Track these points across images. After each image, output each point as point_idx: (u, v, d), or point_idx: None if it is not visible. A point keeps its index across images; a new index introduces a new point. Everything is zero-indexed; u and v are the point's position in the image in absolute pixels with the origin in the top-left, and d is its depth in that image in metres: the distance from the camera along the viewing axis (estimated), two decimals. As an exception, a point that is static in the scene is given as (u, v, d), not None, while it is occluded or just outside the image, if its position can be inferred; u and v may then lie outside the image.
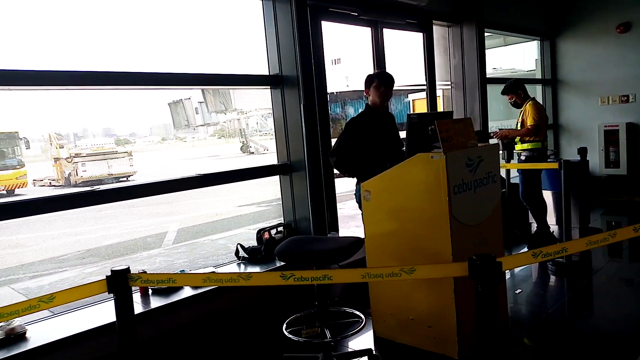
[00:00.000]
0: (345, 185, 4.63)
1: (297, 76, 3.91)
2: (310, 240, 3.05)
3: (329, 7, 4.29)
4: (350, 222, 6.91)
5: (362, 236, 3.03)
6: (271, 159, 4.22)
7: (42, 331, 2.72)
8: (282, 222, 4.19)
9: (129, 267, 2.15)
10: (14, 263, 5.80)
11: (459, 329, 2.84)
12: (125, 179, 10.78)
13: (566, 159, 4.41)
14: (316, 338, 2.90)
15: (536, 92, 7.72)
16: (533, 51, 8.22)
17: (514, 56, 9.70)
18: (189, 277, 2.79)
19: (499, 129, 5.45)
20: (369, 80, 3.61)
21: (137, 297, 3.11)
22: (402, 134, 3.75)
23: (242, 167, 4.09)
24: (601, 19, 7.12)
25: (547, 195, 5.51)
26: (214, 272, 3.44)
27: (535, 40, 7.83)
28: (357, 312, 3.27)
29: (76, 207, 3.18)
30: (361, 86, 3.72)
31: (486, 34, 6.07)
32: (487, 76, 6.03)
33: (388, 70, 4.72)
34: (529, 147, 5.09)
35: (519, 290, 4.07)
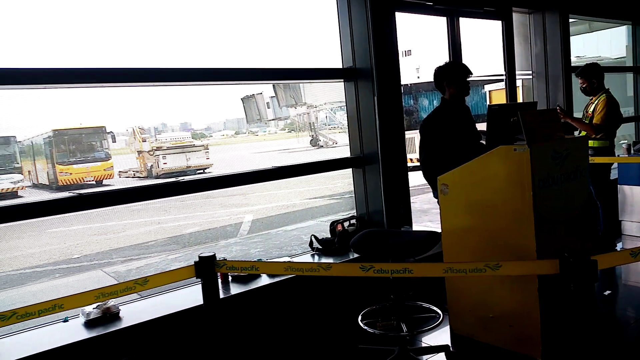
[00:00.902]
0: (417, 179, 4.56)
1: (371, 68, 3.90)
2: (385, 233, 3.04)
3: (403, -3, 4.23)
4: (423, 217, 6.78)
5: (437, 230, 2.98)
6: (340, 152, 4.23)
7: (134, 312, 2.92)
8: (355, 214, 4.21)
9: (214, 254, 2.26)
10: (105, 247, 6.27)
11: (542, 328, 2.72)
12: (201, 171, 11.26)
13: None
14: (392, 331, 2.90)
15: (626, 81, 7.16)
16: (622, 37, 7.69)
17: (600, 43, 9.10)
18: (271, 265, 2.88)
19: (558, 106, 4.98)
20: (452, 70, 3.38)
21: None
22: (478, 126, 3.63)
23: (316, 160, 4.15)
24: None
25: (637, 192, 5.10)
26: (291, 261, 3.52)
27: (625, 25, 7.26)
28: (434, 308, 3.23)
29: (162, 197, 3.40)
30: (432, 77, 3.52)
31: (570, 20, 5.71)
32: (572, 65, 5.67)
33: (464, 60, 4.58)
34: (595, 145, 4.57)
35: (607, 292, 3.82)
